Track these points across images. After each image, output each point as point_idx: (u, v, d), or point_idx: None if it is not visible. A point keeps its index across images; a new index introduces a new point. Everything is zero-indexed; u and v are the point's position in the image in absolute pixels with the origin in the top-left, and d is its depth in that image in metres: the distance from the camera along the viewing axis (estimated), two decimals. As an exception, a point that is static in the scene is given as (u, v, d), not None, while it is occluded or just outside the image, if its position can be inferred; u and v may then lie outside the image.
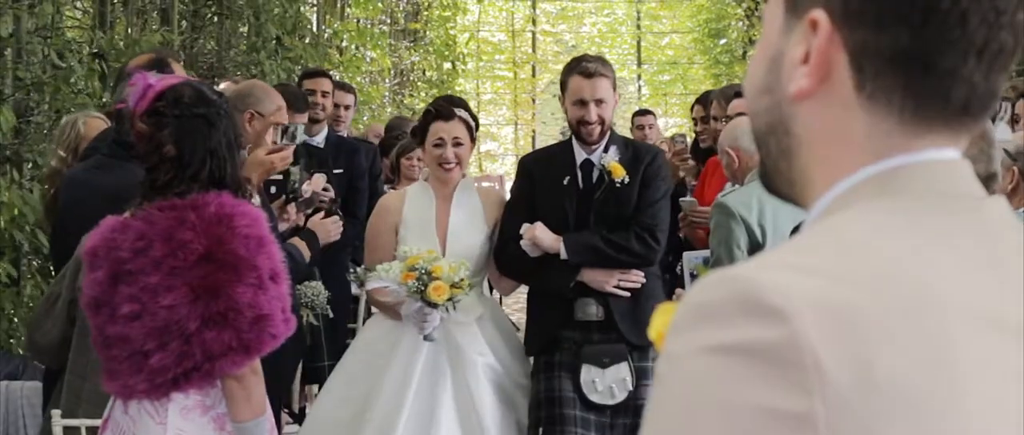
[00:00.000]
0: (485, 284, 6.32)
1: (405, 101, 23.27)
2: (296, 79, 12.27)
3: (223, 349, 3.80)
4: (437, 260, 5.53)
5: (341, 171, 7.46)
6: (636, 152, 6.01)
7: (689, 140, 12.01)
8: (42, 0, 7.83)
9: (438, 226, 5.93)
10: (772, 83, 1.36)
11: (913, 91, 1.27)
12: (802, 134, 1.34)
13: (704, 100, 9.71)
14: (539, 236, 5.78)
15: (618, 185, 5.82)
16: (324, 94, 8.12)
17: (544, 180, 6.00)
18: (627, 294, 5.86)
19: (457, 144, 5.90)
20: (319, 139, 7.89)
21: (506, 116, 31.57)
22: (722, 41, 26.11)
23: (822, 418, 1.09)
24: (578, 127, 5.89)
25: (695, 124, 9.71)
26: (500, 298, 11.64)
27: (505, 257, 5.98)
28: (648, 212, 5.84)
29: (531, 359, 6.08)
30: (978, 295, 1.19)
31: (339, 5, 18.78)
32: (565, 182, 5.91)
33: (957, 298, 1.18)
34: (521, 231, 5.83)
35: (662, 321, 1.41)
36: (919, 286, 1.17)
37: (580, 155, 5.94)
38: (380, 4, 20.86)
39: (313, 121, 7.68)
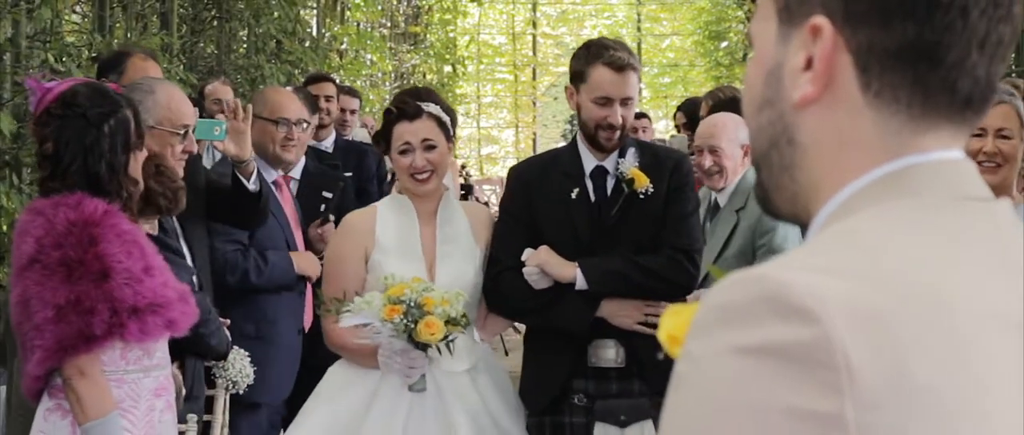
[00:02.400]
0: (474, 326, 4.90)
1: (405, 104, 23.22)
2: (297, 84, 12.30)
3: (46, 350, 3.84)
4: (428, 290, 4.41)
5: (350, 174, 7.45)
6: (657, 157, 4.91)
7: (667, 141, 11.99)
8: (41, 4, 7.79)
9: (424, 250, 4.78)
10: (772, 95, 1.35)
11: (921, 86, 1.27)
12: (808, 142, 1.33)
13: (687, 107, 9.71)
14: (548, 261, 4.71)
15: (641, 196, 4.75)
16: (328, 99, 8.11)
17: (546, 193, 4.86)
18: (654, 332, 4.41)
19: (428, 147, 4.72)
20: (327, 143, 7.90)
21: (507, 119, 31.65)
22: (723, 44, 26.13)
23: (852, 419, 1.07)
24: (596, 130, 4.79)
25: (678, 130, 9.65)
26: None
27: (500, 290, 4.81)
28: (680, 229, 4.78)
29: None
30: (994, 297, 1.19)
31: (339, 8, 18.79)
32: (573, 195, 4.80)
33: (975, 300, 1.17)
34: (524, 257, 4.75)
35: (672, 322, 1.40)
36: (941, 289, 1.16)
37: (590, 161, 4.86)
38: (380, 7, 20.87)
39: (320, 126, 7.67)
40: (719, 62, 26.75)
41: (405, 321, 4.31)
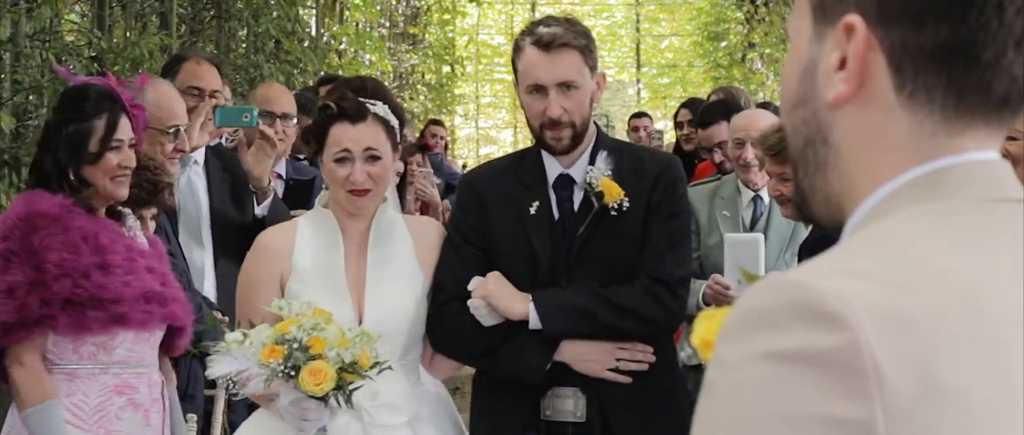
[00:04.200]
0: (421, 367, 4.14)
1: (405, 105, 23.24)
2: (296, 83, 12.30)
3: None
4: (317, 329, 3.57)
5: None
6: (638, 162, 4.01)
7: (665, 138, 11.95)
8: (40, 3, 7.78)
9: (351, 279, 3.96)
10: (807, 94, 1.34)
11: (956, 86, 1.25)
12: (841, 142, 1.32)
13: (691, 104, 9.71)
14: (496, 293, 3.87)
15: (613, 212, 3.90)
16: None
17: (501, 208, 4.02)
18: (628, 380, 3.92)
19: (372, 158, 3.89)
20: None
21: (505, 119, 31.56)
22: (723, 44, 26.09)
23: (882, 426, 1.07)
24: (541, 131, 3.95)
25: (681, 128, 9.59)
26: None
27: (444, 326, 3.97)
28: (660, 252, 3.91)
29: None
30: None
31: (338, 8, 18.76)
32: (533, 210, 3.97)
33: (1006, 304, 1.16)
34: (470, 286, 3.91)
35: (706, 327, 1.41)
36: (974, 293, 1.15)
37: (553, 169, 4.00)
38: (379, 7, 20.86)
39: None
40: (718, 63, 26.70)
41: (285, 367, 3.52)
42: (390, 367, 3.69)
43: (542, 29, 3.91)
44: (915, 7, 1.24)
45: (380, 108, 3.95)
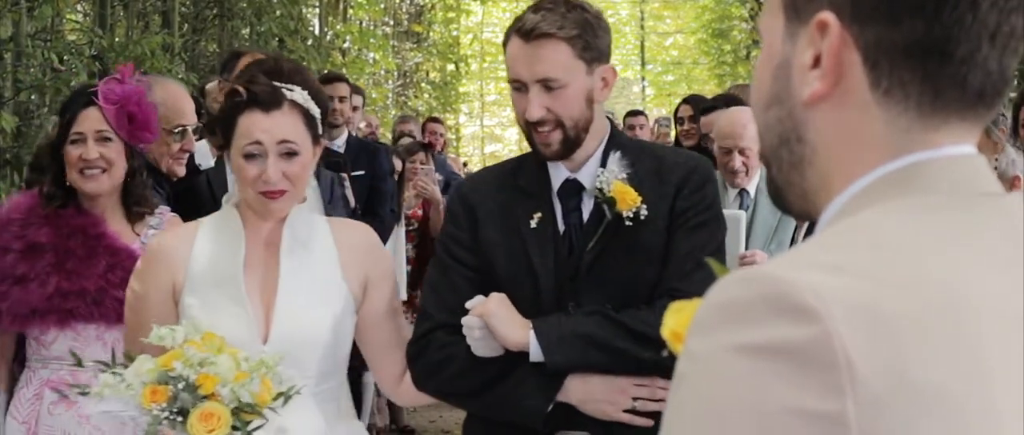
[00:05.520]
0: (343, 398, 3.49)
1: (409, 103, 23.28)
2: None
3: None
4: (209, 363, 2.94)
5: (362, 173, 7.43)
6: (660, 163, 3.36)
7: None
8: (42, 3, 7.79)
9: (257, 290, 3.32)
10: (781, 92, 1.34)
11: (931, 82, 1.25)
12: (817, 140, 1.32)
13: (691, 100, 9.77)
14: (497, 314, 3.19)
15: (628, 222, 3.24)
16: (342, 99, 8.07)
17: (496, 221, 3.38)
18: (648, 422, 3.19)
19: (288, 153, 3.27)
20: (339, 143, 7.88)
21: (510, 117, 31.55)
22: (728, 48, 26.12)
23: (854, 419, 1.06)
24: (529, 132, 3.33)
25: (681, 123, 9.66)
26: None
27: (426, 360, 3.33)
28: (687, 269, 3.23)
29: None
30: (1004, 295, 1.17)
31: (341, 7, 18.77)
32: (534, 222, 3.32)
33: (984, 298, 1.16)
34: (469, 304, 3.24)
35: (676, 320, 1.40)
36: (947, 286, 1.15)
37: (558, 174, 3.37)
38: (383, 5, 20.87)
39: (332, 126, 7.65)
40: (723, 60, 26.72)
41: (171, 412, 2.91)
42: (299, 392, 3.06)
43: (528, 15, 3.29)
44: (888, 4, 1.24)
45: (298, 94, 3.31)
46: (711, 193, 3.34)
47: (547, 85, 3.23)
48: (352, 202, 6.41)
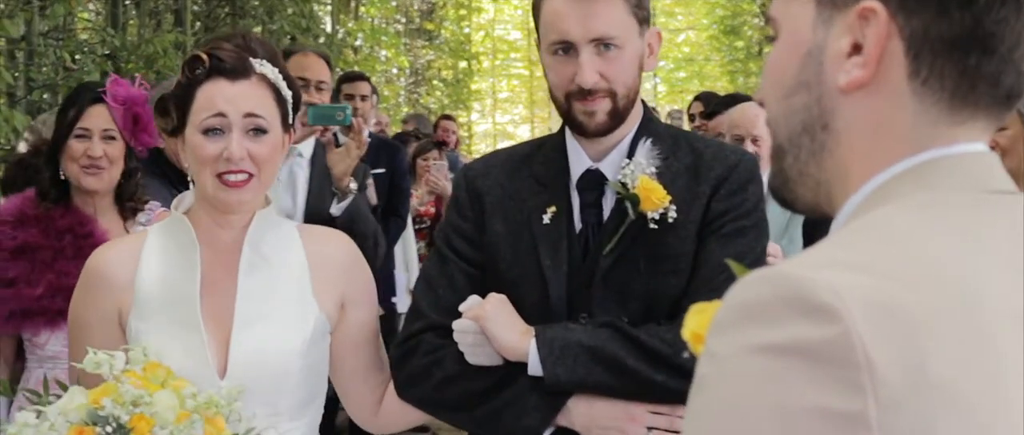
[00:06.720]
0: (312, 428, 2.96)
1: (421, 100, 23.28)
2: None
3: None
4: (144, 403, 2.42)
5: (383, 171, 7.42)
6: (697, 157, 2.87)
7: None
8: (54, 1, 7.81)
9: (213, 312, 2.80)
10: (809, 78, 1.34)
11: (969, 76, 1.26)
12: (843, 129, 1.32)
13: (703, 98, 9.81)
14: (494, 317, 2.76)
15: (653, 224, 2.76)
16: (363, 98, 8.05)
17: (505, 212, 2.92)
18: None
19: (255, 130, 2.76)
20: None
21: (522, 114, 31.60)
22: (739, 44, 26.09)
23: (874, 417, 1.07)
24: (569, 104, 2.81)
25: (693, 120, 9.69)
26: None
27: (411, 363, 2.89)
28: (719, 283, 2.69)
29: None
30: (1017, 293, 1.18)
31: (353, 4, 18.78)
32: (547, 217, 2.84)
33: (998, 296, 1.16)
34: (463, 307, 2.81)
35: (697, 321, 1.39)
36: (964, 285, 1.15)
37: (579, 162, 2.88)
38: (394, 3, 20.88)
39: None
40: (735, 57, 26.69)
41: None
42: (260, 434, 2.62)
43: None
44: None
45: (269, 68, 2.83)
46: (754, 195, 2.84)
47: (603, 45, 2.75)
48: (374, 199, 6.39)
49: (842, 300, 1.09)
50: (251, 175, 2.75)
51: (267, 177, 2.80)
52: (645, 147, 2.82)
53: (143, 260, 2.84)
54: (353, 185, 5.40)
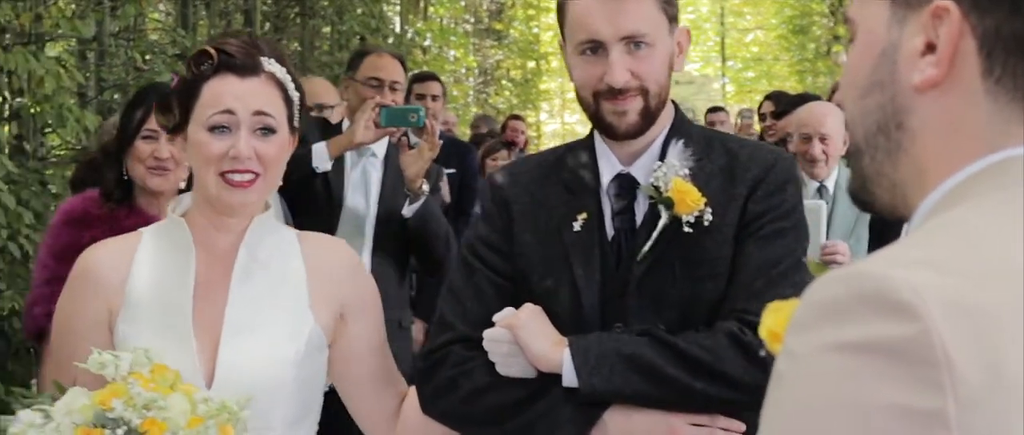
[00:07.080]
0: None
1: (490, 100, 23.32)
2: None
3: None
4: (158, 407, 2.36)
5: (453, 171, 7.44)
6: (732, 158, 2.79)
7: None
8: (125, 2, 7.87)
9: (205, 315, 2.73)
10: (884, 78, 1.33)
11: None
12: (917, 128, 1.31)
13: (774, 97, 9.81)
14: (527, 326, 2.68)
15: (688, 228, 2.69)
16: (434, 98, 8.05)
17: (534, 220, 2.84)
18: None
19: (263, 129, 2.70)
20: None
21: (591, 115, 31.61)
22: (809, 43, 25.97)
23: (953, 416, 1.06)
24: (597, 105, 2.76)
25: (763, 119, 9.68)
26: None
27: (438, 377, 2.78)
28: (759, 288, 2.64)
29: None
30: None
31: (422, 5, 18.84)
32: (578, 225, 2.77)
33: None
34: (496, 317, 2.72)
35: (774, 319, 1.39)
36: None
37: (609, 166, 2.83)
38: (463, 3, 20.92)
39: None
40: (804, 57, 26.56)
41: None
42: None
43: None
44: None
45: (277, 68, 2.77)
46: (792, 196, 2.78)
47: (633, 43, 2.69)
48: (447, 198, 6.38)
49: (921, 298, 1.08)
50: (257, 175, 2.68)
51: (272, 179, 2.75)
52: (677, 148, 2.77)
53: (136, 262, 2.76)
54: (425, 187, 5.39)
